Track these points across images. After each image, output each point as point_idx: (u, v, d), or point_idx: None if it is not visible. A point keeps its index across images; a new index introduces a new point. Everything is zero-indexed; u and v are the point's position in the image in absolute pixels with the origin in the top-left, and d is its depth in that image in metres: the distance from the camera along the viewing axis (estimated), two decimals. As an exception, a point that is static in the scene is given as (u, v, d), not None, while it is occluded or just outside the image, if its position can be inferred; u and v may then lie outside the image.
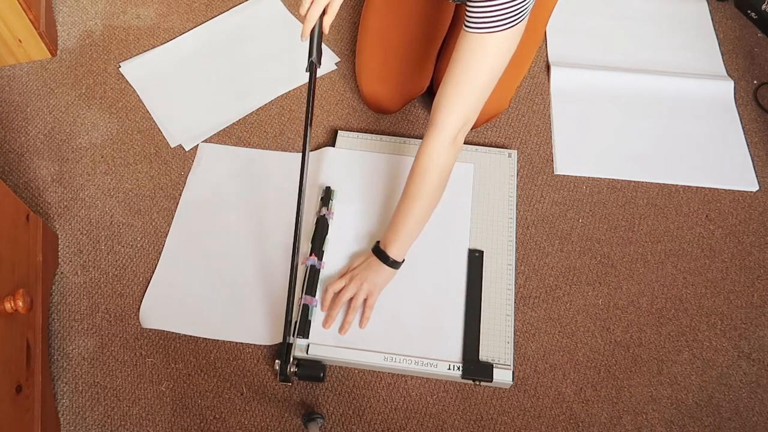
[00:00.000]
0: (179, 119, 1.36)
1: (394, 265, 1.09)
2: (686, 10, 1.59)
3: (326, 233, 1.17)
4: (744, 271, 1.22)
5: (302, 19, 0.98)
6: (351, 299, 1.09)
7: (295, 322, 1.07)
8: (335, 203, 1.22)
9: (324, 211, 1.19)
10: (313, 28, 0.98)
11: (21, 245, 1.04)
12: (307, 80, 1.10)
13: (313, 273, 1.12)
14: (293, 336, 1.05)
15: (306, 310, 1.09)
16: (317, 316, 1.10)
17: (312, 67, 1.03)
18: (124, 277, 1.18)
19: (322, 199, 1.21)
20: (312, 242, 1.16)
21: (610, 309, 1.17)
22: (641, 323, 1.16)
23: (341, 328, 1.09)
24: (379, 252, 1.09)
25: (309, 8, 0.98)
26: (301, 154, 1.32)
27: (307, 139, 1.07)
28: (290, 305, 1.04)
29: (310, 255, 1.13)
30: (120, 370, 1.09)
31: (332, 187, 1.23)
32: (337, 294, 1.10)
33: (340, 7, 0.99)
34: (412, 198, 1.04)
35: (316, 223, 1.18)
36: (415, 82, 1.30)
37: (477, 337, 1.08)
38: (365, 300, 1.09)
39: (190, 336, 1.12)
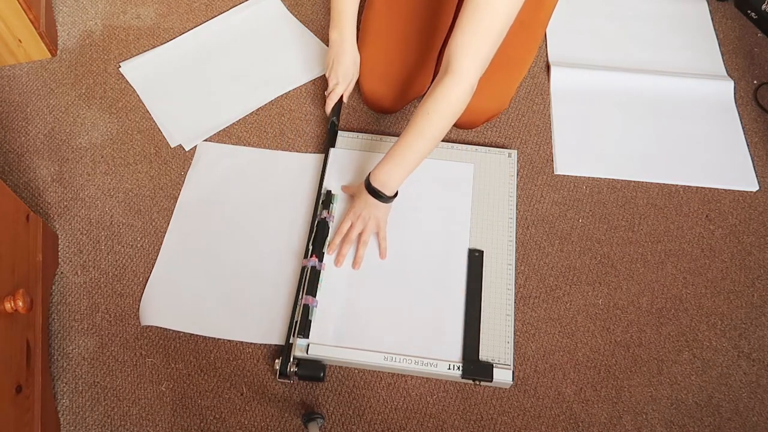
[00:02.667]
0: (179, 119, 1.36)
1: (387, 200, 1.11)
2: (686, 10, 1.59)
3: (326, 236, 1.17)
4: (744, 271, 1.22)
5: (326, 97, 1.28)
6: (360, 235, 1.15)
7: (296, 322, 1.07)
8: (336, 206, 1.21)
9: (325, 214, 1.18)
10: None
11: (21, 245, 1.04)
12: (328, 132, 1.32)
13: (314, 274, 1.12)
14: (294, 335, 1.05)
15: (306, 310, 1.09)
16: (318, 317, 1.10)
17: (332, 127, 1.29)
18: (124, 277, 1.18)
19: (323, 202, 1.21)
20: (312, 244, 1.16)
21: (610, 309, 1.17)
22: (641, 323, 1.16)
23: (354, 263, 1.14)
24: (370, 189, 1.10)
25: (329, 95, 1.26)
26: (300, 154, 1.32)
27: (324, 177, 1.25)
28: (297, 305, 1.07)
29: (311, 256, 1.13)
30: (120, 370, 1.09)
31: (333, 191, 1.23)
32: (345, 235, 1.14)
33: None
34: (416, 135, 1.06)
35: (316, 225, 1.17)
36: (416, 81, 1.30)
37: (477, 337, 1.08)
38: (377, 233, 1.16)
39: (190, 336, 1.12)
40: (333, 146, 1.28)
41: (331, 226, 1.19)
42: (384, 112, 1.35)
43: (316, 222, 1.18)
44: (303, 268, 1.13)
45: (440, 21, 1.30)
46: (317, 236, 1.16)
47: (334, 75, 1.26)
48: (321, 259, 1.14)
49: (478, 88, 1.20)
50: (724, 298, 1.19)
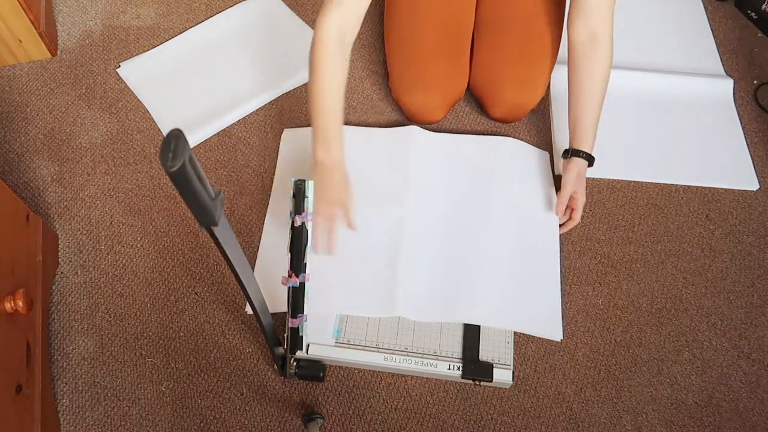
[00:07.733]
0: (179, 119, 1.36)
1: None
2: (685, 10, 1.59)
3: (306, 243, 0.96)
4: (744, 271, 1.22)
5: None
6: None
7: (287, 341, 1.02)
8: (310, 198, 0.96)
9: (298, 219, 0.94)
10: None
11: (21, 245, 1.04)
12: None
13: (298, 292, 0.97)
14: (287, 353, 1.02)
15: (295, 332, 1.01)
16: (317, 316, 1.09)
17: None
18: (124, 277, 1.18)
19: (294, 196, 0.94)
20: (291, 258, 0.96)
21: (610, 309, 1.17)
22: (641, 323, 1.16)
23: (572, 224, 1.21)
24: (590, 158, 1.18)
25: (317, 229, 1.06)
26: (379, 129, 1.19)
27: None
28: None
29: (291, 276, 0.96)
30: (120, 370, 1.09)
31: (301, 177, 0.95)
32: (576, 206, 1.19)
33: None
34: (595, 103, 1.15)
35: (292, 233, 0.95)
36: (456, 83, 1.28)
37: (477, 337, 1.08)
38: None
39: (190, 336, 1.12)
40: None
41: (309, 227, 0.98)
42: (430, 122, 1.31)
43: (291, 229, 0.95)
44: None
45: (464, 20, 1.29)
46: (295, 247, 0.95)
47: (326, 205, 1.06)
48: (304, 271, 0.97)
49: (504, 81, 1.21)
50: (724, 298, 1.19)
